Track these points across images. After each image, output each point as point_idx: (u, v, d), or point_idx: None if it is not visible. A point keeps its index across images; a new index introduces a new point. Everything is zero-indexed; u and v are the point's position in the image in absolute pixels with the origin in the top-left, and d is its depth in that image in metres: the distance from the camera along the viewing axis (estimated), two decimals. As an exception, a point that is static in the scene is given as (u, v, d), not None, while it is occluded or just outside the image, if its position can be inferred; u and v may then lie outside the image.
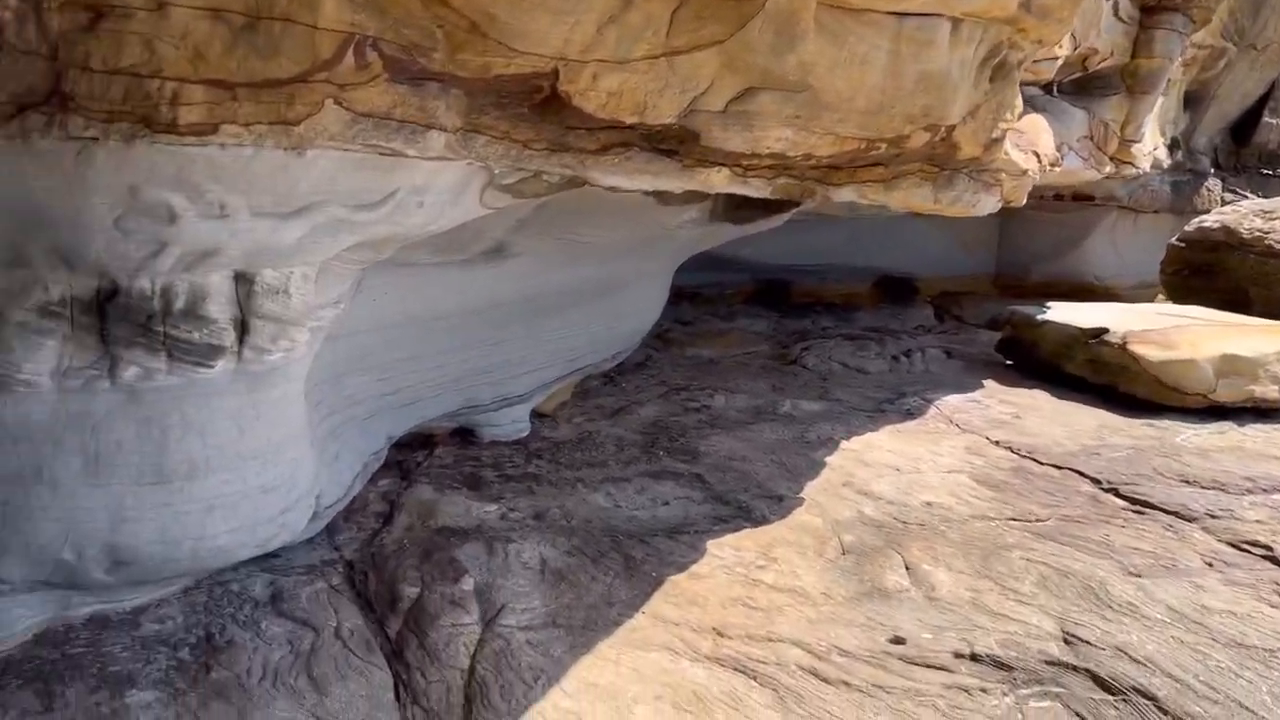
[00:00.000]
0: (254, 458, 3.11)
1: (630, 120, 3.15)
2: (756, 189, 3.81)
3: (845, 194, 4.03)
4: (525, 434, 4.92)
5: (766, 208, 5.40)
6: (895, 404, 5.78)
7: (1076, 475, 4.68)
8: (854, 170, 3.92)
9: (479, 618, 3.21)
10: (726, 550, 3.70)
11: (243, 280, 2.96)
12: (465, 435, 4.84)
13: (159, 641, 2.99)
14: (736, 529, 3.90)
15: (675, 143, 3.41)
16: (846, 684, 2.93)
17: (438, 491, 4.17)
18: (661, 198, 4.61)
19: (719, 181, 3.68)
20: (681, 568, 3.57)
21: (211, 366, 2.93)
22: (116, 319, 2.82)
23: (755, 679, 2.94)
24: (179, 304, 2.85)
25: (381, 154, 2.88)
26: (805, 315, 7.86)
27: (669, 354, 6.64)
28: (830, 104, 3.39)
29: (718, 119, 3.29)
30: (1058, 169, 6.05)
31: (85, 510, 2.86)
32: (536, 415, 5.12)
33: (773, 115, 3.32)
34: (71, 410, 2.84)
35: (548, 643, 3.10)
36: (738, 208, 5.41)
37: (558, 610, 3.29)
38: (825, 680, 2.94)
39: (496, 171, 3.31)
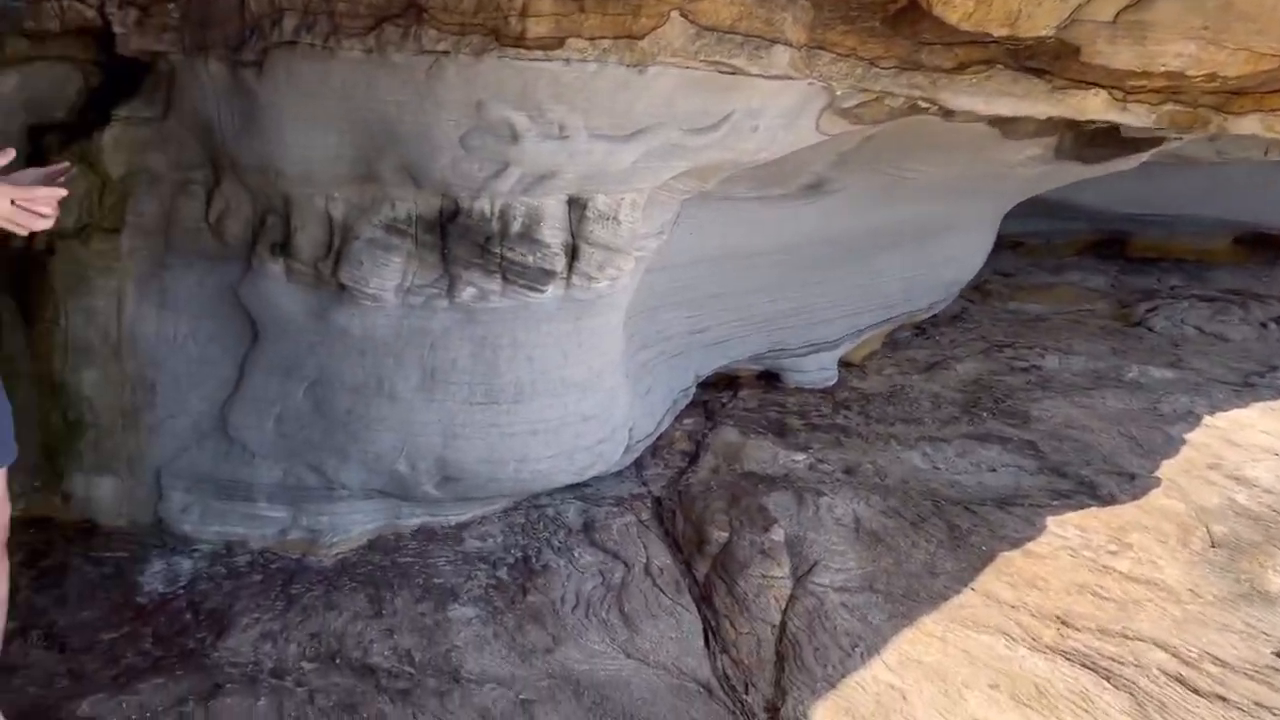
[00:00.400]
0: (575, 385, 3.07)
1: (998, 33, 2.75)
2: (1136, 117, 3.28)
3: (1246, 125, 3.39)
4: (832, 382, 4.66)
5: (1123, 145, 4.74)
6: (1267, 378, 4.95)
7: None
8: (1262, 96, 3.28)
9: (790, 572, 3.03)
10: (1069, 529, 3.28)
11: (575, 205, 2.90)
12: (769, 379, 4.65)
13: (480, 558, 3.04)
14: (1080, 506, 3.45)
15: (1047, 59, 2.97)
16: (1222, 698, 2.49)
17: (743, 435, 4.02)
18: (1006, 130, 4.12)
19: (1093, 107, 3.18)
20: (1015, 544, 3.20)
21: (542, 291, 2.89)
22: (457, 239, 2.83)
23: (1108, 679, 2.56)
24: (516, 226, 2.82)
25: (721, 72, 2.68)
26: (1148, 271, 6.97)
27: (988, 307, 6.10)
28: (1247, 13, 2.81)
29: (1104, 30, 2.82)
30: None
31: (420, 424, 2.94)
32: (844, 364, 4.84)
33: (1173, 26, 2.80)
34: (412, 326, 2.91)
35: (865, 608, 2.87)
36: (1089, 144, 4.77)
37: (875, 574, 3.04)
38: (1195, 691, 2.52)
39: (838, 93, 3.02)
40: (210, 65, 2.84)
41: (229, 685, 2.43)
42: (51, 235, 3.12)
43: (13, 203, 1.62)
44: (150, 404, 3.14)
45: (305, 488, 3.06)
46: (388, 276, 2.85)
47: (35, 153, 3.17)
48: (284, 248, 2.93)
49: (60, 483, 3.13)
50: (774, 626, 2.80)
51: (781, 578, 2.98)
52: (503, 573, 2.98)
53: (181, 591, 2.85)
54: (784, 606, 2.88)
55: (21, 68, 3.03)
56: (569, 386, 3.06)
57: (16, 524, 3.11)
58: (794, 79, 2.84)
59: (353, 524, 3.09)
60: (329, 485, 3.03)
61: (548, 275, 2.89)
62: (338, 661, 2.58)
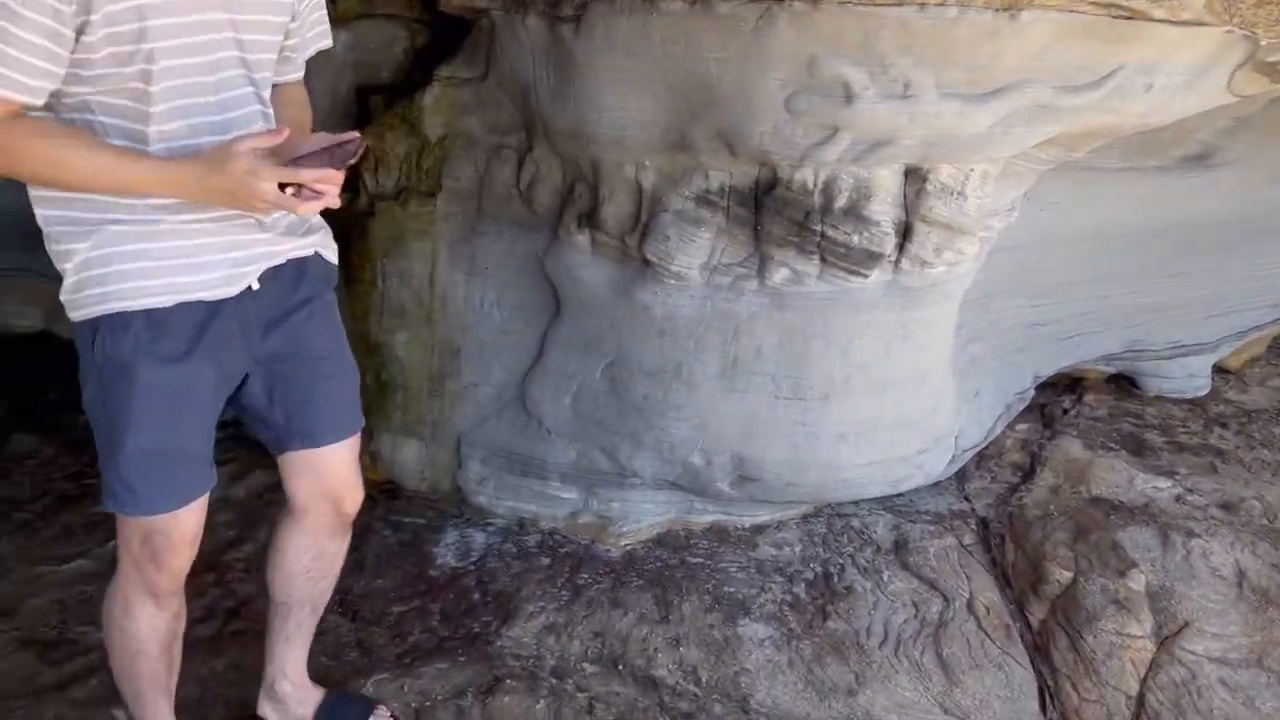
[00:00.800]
0: (895, 385, 2.68)
1: None
2: None
3: None
4: (1203, 392, 3.90)
5: None
6: None
7: None
8: None
9: (1152, 631, 2.49)
10: None
11: (913, 177, 2.49)
12: (1122, 383, 3.97)
13: (775, 569, 2.76)
14: None
15: None
16: None
17: (1089, 449, 3.42)
18: None
19: None
20: None
21: (865, 276, 2.52)
22: (772, 214, 2.52)
23: None
24: (840, 201, 2.47)
25: (1115, 17, 2.17)
26: None
27: (1406, 308, 4.96)
28: None
29: None
30: None
31: (718, 416, 2.68)
32: (1218, 370, 4.05)
33: None
34: (716, 309, 2.64)
35: (1252, 689, 2.31)
36: None
37: (1265, 646, 2.44)
38: None
39: (1262, 44, 2.39)
40: (528, 21, 2.70)
41: (509, 681, 2.30)
42: (372, 197, 3.16)
43: (281, 187, 1.48)
44: (455, 370, 3.11)
45: (597, 471, 2.90)
46: (694, 253, 2.60)
47: (362, 114, 3.22)
48: (590, 218, 2.76)
49: (370, 442, 3.18)
50: (1130, 698, 2.31)
51: (1141, 637, 2.46)
52: (800, 589, 2.67)
53: (472, 568, 2.79)
54: (1143, 674, 2.37)
55: (351, 26, 3.03)
56: (888, 386, 2.67)
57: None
58: (1208, 25, 2.26)
59: (643, 514, 2.90)
60: (621, 471, 2.85)
61: (874, 258, 2.51)
62: (620, 668, 2.40)
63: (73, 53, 1.44)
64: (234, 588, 2.70)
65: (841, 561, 2.78)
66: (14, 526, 2.99)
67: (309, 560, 1.98)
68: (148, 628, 1.81)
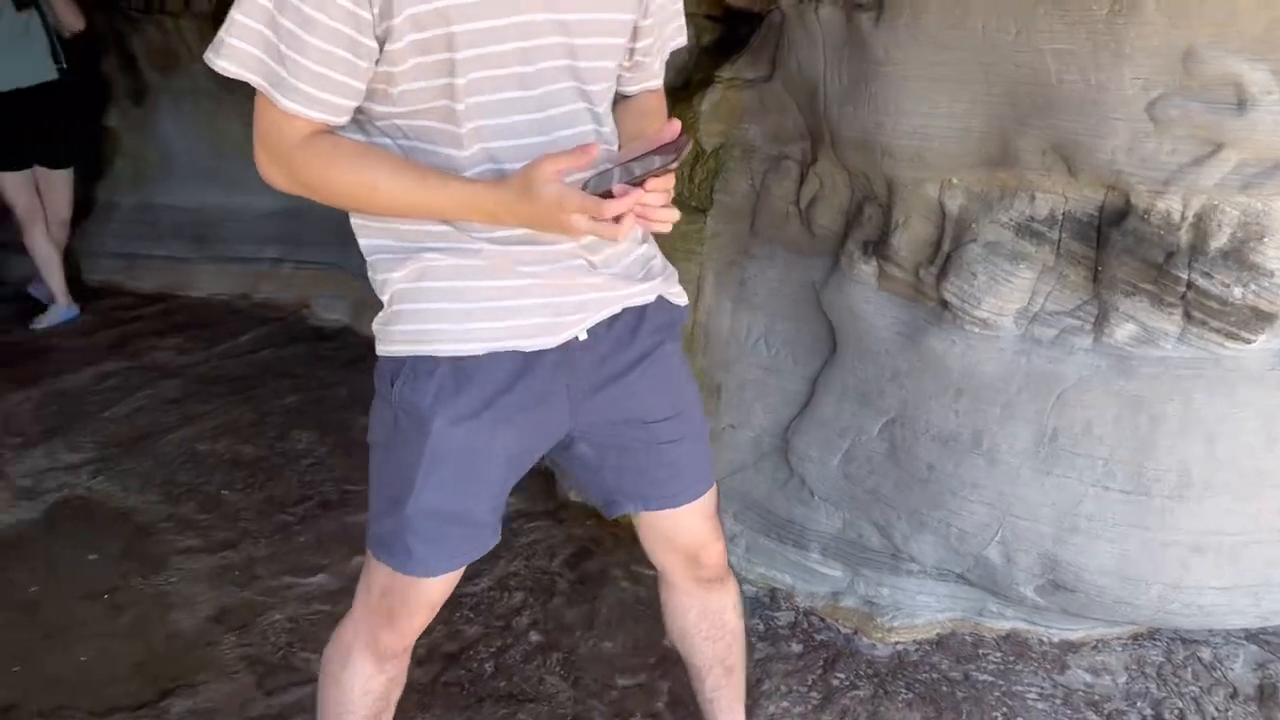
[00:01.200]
0: (1278, 485, 2.01)
1: None
2: None
3: None
4: None
5: None
6: None
7: None
8: None
9: None
10: None
11: (1329, 212, 1.83)
12: None
13: (1088, 703, 2.16)
14: None
15: None
16: None
17: None
18: None
19: None
20: None
21: (1247, 340, 1.89)
22: (1120, 252, 1.95)
23: None
24: (1219, 240, 1.85)
25: None
26: None
27: None
28: None
29: None
30: None
31: (1026, 503, 2.13)
32: None
33: None
34: (1033, 368, 2.10)
35: None
36: None
37: None
38: None
39: None
40: (821, 11, 2.31)
41: (731, 802, 1.92)
42: (640, 213, 2.89)
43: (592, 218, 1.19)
44: (714, 409, 2.76)
45: (865, 548, 2.44)
46: (1008, 296, 2.08)
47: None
48: (879, 246, 2.31)
49: (618, 479, 2.91)
50: None
51: None
52: (1120, 735, 2.07)
53: (711, 643, 2.42)
54: None
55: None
56: (1269, 487, 2.00)
57: (577, 512, 2.98)
58: None
59: (919, 608, 2.40)
60: (895, 553, 2.38)
61: (1261, 319, 1.87)
62: (871, 808, 1.94)
63: (377, 64, 1.26)
64: (460, 629, 2.51)
65: (1181, 705, 2.13)
66: (273, 529, 3.00)
67: (694, 618, 1.80)
68: (361, 690, 1.62)
